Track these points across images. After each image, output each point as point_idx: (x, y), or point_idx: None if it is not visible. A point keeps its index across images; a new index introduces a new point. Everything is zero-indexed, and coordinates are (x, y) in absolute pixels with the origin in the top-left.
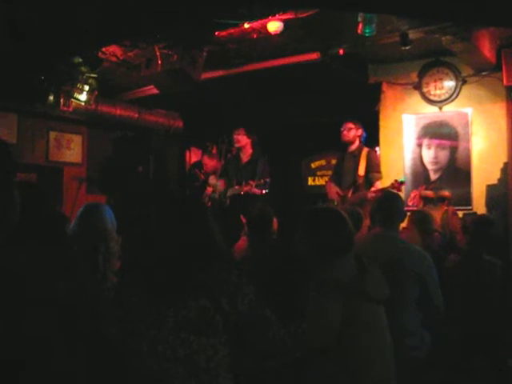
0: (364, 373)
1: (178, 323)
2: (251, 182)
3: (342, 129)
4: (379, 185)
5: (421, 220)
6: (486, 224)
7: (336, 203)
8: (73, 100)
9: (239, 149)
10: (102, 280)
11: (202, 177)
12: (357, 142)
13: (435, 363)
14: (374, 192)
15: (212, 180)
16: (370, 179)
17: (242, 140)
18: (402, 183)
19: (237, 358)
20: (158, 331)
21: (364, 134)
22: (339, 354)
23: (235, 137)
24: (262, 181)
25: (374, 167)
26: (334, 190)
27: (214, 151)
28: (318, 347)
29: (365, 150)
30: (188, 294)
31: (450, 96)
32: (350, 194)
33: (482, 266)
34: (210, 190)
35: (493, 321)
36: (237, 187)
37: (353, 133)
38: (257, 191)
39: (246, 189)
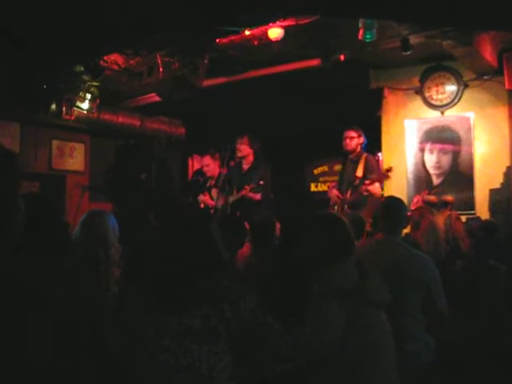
0: (366, 378)
1: (180, 331)
2: (246, 187)
3: (344, 137)
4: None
5: None
6: (492, 230)
7: (336, 207)
8: (75, 108)
9: (241, 157)
10: (104, 288)
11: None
12: (358, 149)
13: (439, 369)
14: (369, 185)
15: (213, 193)
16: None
17: (244, 150)
18: (389, 169)
19: (239, 366)
20: (161, 339)
21: (365, 141)
22: (341, 360)
23: (238, 146)
24: (256, 185)
25: (369, 169)
26: (334, 195)
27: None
28: (320, 353)
29: (364, 156)
30: (191, 302)
31: (452, 100)
32: (348, 195)
33: (486, 272)
34: (208, 199)
35: (497, 326)
36: (236, 193)
37: (355, 142)
38: (252, 195)
39: (242, 193)
